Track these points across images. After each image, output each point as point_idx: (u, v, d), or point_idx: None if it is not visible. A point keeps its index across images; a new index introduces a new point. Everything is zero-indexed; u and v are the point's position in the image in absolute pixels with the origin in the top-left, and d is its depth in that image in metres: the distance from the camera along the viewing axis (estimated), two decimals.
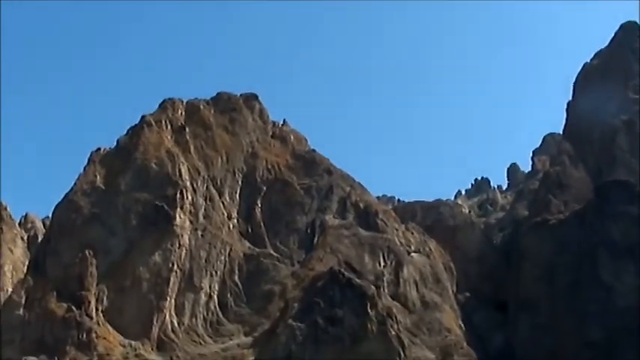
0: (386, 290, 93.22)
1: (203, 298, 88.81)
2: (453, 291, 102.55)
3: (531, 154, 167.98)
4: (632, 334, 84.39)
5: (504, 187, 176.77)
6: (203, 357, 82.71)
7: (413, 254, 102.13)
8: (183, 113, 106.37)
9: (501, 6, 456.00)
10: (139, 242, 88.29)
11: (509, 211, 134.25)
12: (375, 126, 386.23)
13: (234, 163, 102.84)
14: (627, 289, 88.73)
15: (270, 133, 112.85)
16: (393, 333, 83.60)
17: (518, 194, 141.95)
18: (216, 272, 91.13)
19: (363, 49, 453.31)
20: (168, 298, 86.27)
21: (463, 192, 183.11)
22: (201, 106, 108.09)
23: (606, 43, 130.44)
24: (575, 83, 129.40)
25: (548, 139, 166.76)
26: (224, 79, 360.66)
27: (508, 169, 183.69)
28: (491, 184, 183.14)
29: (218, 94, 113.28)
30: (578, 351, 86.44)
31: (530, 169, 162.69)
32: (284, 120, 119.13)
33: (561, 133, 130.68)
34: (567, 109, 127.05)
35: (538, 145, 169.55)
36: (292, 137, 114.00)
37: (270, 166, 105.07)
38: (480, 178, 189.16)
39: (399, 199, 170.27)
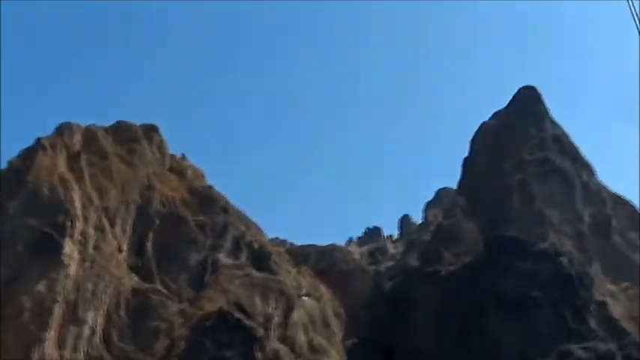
0: (275, 333, 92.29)
1: (87, 331, 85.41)
2: (341, 336, 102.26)
3: (424, 207, 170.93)
4: None
5: (395, 236, 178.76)
6: None
7: (304, 298, 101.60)
8: (80, 139, 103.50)
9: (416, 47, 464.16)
10: (24, 270, 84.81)
11: (400, 261, 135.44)
12: (272, 168, 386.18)
13: (129, 195, 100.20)
14: (513, 341, 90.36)
15: (168, 166, 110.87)
16: None
17: (409, 244, 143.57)
18: (102, 305, 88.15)
19: (267, 88, 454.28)
20: (50, 330, 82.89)
21: (354, 239, 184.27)
22: (100, 134, 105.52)
23: (505, 104, 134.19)
24: (472, 140, 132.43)
25: (442, 193, 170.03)
26: (125, 108, 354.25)
27: (400, 219, 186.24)
28: (383, 233, 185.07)
29: (118, 122, 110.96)
30: None
31: (422, 221, 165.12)
32: (183, 154, 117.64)
33: (455, 187, 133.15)
34: (463, 165, 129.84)
35: (431, 198, 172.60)
36: (190, 172, 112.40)
37: (165, 200, 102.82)
38: (371, 227, 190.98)
39: (291, 243, 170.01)
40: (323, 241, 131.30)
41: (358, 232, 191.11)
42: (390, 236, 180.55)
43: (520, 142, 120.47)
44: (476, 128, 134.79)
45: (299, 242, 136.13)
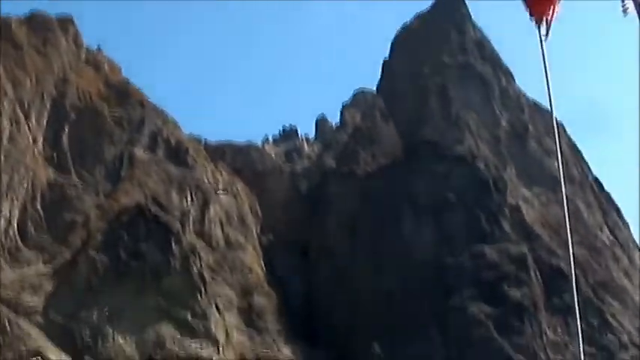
0: (191, 227, 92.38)
1: (2, 223, 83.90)
2: (257, 233, 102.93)
3: (341, 108, 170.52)
4: (428, 286, 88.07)
5: (312, 137, 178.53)
6: None
7: (220, 194, 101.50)
8: None
9: None
10: None
11: (316, 161, 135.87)
12: (189, 64, 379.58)
13: (44, 87, 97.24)
14: (426, 242, 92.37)
15: (84, 59, 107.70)
16: (196, 270, 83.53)
17: (325, 145, 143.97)
18: (17, 198, 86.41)
19: None
20: None
21: (270, 138, 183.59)
22: (13, 25, 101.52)
23: (428, 7, 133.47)
24: (392, 42, 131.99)
25: (359, 94, 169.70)
26: None
27: (316, 120, 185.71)
28: (299, 133, 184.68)
29: (32, 13, 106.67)
30: (375, 298, 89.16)
31: (338, 122, 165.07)
32: (99, 46, 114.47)
33: (375, 89, 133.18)
34: (383, 67, 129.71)
35: (348, 100, 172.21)
36: (106, 65, 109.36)
37: (81, 93, 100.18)
38: (287, 126, 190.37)
39: (205, 140, 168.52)
40: (239, 139, 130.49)
41: (274, 130, 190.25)
42: (306, 136, 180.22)
43: (440, 46, 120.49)
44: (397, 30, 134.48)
45: (214, 140, 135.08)
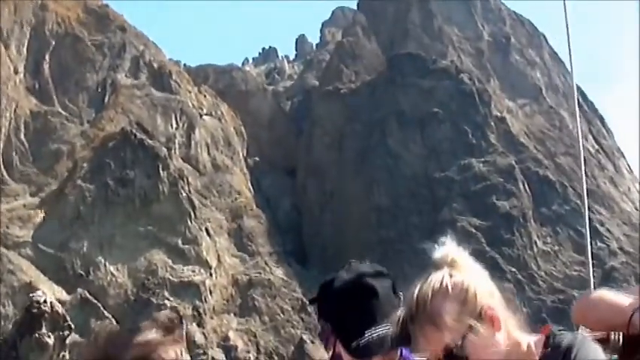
0: (177, 152, 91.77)
1: None
2: (243, 155, 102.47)
3: (320, 26, 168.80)
4: (417, 200, 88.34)
5: (292, 57, 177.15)
6: None
7: (205, 117, 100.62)
8: None
9: None
10: None
11: (298, 80, 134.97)
12: None
13: (22, 15, 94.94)
14: (413, 157, 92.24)
15: None
16: (184, 195, 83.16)
17: (307, 64, 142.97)
18: (0, 130, 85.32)
19: None
20: None
21: (250, 60, 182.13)
22: None
23: None
24: None
25: (338, 12, 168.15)
26: None
27: (296, 40, 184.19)
28: (279, 53, 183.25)
29: None
30: (364, 215, 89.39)
31: (318, 41, 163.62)
32: None
33: (355, 6, 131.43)
34: None
35: (327, 18, 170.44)
36: None
37: (60, 20, 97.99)
38: (267, 47, 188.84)
39: (185, 64, 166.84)
40: (219, 62, 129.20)
41: (253, 53, 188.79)
42: (287, 56, 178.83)
43: None
44: None
45: (194, 64, 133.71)
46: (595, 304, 3.34)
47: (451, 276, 3.02)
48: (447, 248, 3.12)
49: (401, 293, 3.54)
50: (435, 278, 3.04)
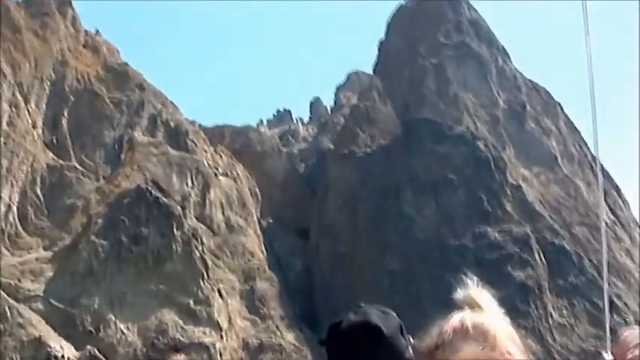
0: (192, 211, 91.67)
1: (2, 209, 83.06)
2: (257, 216, 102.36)
3: (335, 90, 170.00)
4: (430, 265, 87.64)
5: (306, 119, 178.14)
6: None
7: (220, 177, 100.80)
8: None
9: None
10: None
11: (313, 143, 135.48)
12: (184, 50, 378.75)
13: (43, 70, 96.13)
14: (427, 222, 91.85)
15: (82, 42, 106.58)
16: (197, 254, 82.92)
17: (321, 127, 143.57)
18: (17, 182, 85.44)
19: None
20: None
21: (264, 122, 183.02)
22: (12, 8, 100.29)
23: None
24: (388, 23, 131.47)
25: (353, 76, 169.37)
26: None
27: (311, 102, 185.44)
28: (293, 116, 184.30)
29: None
30: (377, 279, 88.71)
31: (333, 104, 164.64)
32: (97, 30, 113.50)
33: (371, 70, 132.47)
34: (379, 48, 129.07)
35: (342, 82, 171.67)
36: (105, 48, 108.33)
37: (80, 76, 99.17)
38: (281, 109, 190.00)
39: (200, 124, 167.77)
40: (233, 122, 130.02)
41: (267, 114, 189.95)
42: (301, 119, 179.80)
43: (436, 26, 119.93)
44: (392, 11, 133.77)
45: (208, 123, 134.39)
46: None
47: (472, 317, 2.98)
48: (470, 289, 3.10)
49: (409, 336, 3.67)
50: (456, 318, 3.02)
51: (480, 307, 3.01)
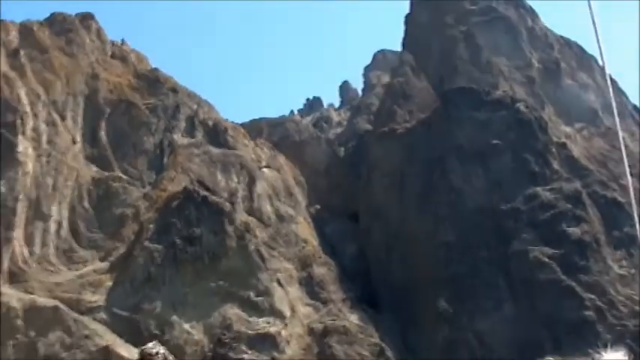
0: (241, 206, 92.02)
1: (53, 226, 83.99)
2: (304, 204, 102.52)
3: (362, 72, 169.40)
4: (483, 234, 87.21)
5: (337, 104, 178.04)
6: (59, 285, 78.68)
7: (264, 169, 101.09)
8: (17, 36, 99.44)
9: None
10: None
11: (348, 126, 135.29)
12: (208, 48, 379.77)
13: (75, 86, 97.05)
14: (476, 191, 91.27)
15: (110, 53, 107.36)
16: (253, 247, 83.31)
17: (354, 109, 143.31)
18: (64, 199, 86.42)
19: None
20: (17, 229, 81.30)
21: (296, 112, 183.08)
22: (35, 28, 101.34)
23: None
24: None
25: (379, 55, 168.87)
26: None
27: (340, 86, 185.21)
28: (323, 102, 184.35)
29: (52, 14, 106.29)
30: (432, 253, 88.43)
31: (362, 86, 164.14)
32: (122, 39, 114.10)
33: (400, 46, 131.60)
34: (406, 22, 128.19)
35: (369, 63, 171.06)
36: (133, 56, 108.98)
37: (112, 87, 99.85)
38: (311, 97, 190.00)
39: (232, 122, 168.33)
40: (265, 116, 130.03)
41: (298, 104, 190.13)
42: (332, 104, 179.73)
43: None
44: None
45: (241, 120, 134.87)
46: None
47: None
48: (614, 355, 3.42)
49: None
50: None
51: None
